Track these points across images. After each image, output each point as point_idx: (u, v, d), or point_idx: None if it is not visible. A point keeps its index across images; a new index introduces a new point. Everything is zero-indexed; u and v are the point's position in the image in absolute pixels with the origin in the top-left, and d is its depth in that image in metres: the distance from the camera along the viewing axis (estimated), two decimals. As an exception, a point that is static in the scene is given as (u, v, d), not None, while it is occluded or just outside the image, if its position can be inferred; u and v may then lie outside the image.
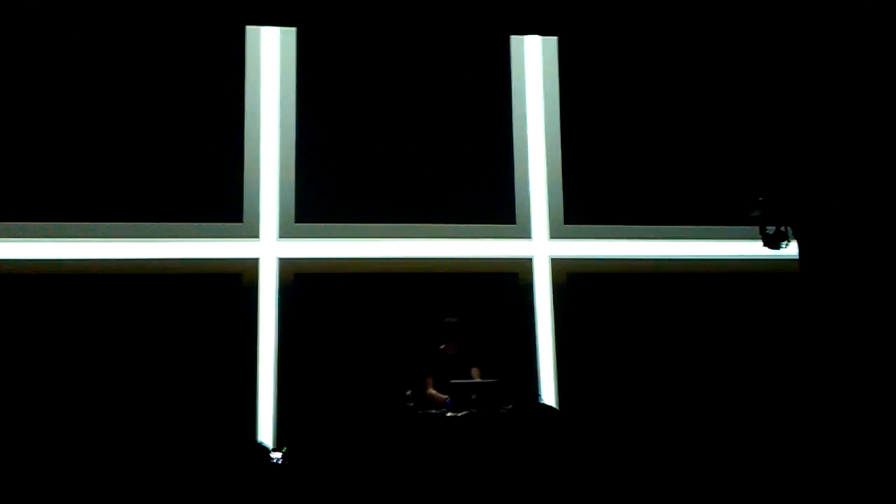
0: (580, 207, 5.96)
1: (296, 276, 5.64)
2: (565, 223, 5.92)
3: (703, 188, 6.05)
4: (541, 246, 5.88)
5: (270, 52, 5.86)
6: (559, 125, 6.03)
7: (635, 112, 6.12)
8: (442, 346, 5.19)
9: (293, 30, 5.89)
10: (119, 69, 5.67)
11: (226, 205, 5.64)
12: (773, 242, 5.37)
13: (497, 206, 5.92)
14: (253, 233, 5.63)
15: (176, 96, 5.70)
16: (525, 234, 5.89)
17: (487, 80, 6.07)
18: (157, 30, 5.74)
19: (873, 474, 4.37)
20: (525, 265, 5.87)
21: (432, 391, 5.00)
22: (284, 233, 5.66)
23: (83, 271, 5.42)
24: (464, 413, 4.48)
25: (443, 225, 5.81)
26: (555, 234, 5.91)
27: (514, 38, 6.12)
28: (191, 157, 5.65)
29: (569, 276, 5.87)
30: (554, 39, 6.14)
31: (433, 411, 4.65)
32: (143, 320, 5.42)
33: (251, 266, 5.60)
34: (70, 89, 5.59)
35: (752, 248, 5.91)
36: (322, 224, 5.72)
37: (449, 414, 4.51)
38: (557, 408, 4.60)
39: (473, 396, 4.58)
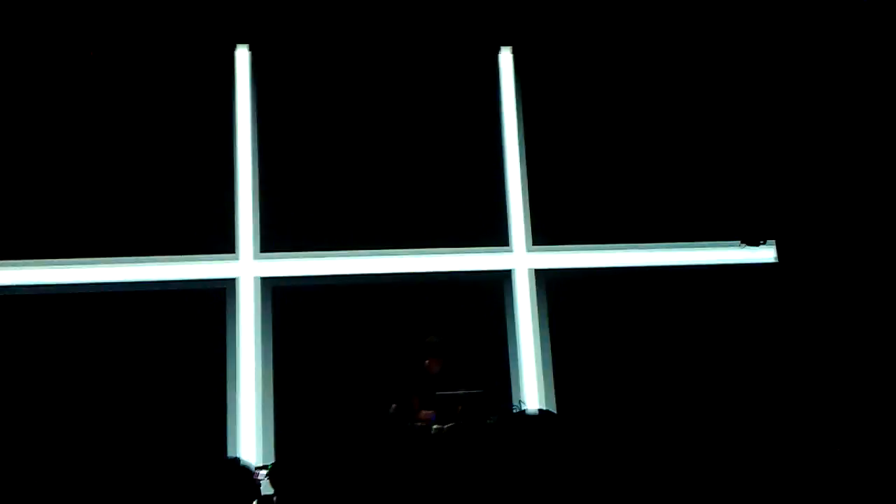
0: (549, 226, 5.95)
1: (274, 293, 5.59)
2: (534, 244, 5.91)
3: (677, 201, 6.06)
4: (520, 258, 5.86)
5: (244, 74, 5.84)
6: (524, 141, 6.03)
7: (604, 125, 6.14)
8: (426, 363, 5.16)
9: (256, 49, 5.87)
10: (102, 96, 5.66)
11: (207, 230, 5.59)
12: (751, 240, 5.42)
13: (477, 220, 5.90)
14: (232, 253, 5.59)
15: (158, 122, 5.68)
16: (505, 245, 5.87)
17: (467, 95, 6.07)
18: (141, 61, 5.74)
19: (864, 471, 4.40)
20: (505, 278, 5.85)
21: (423, 412, 4.94)
22: (263, 252, 5.62)
23: (65, 293, 5.37)
24: (450, 425, 4.45)
25: (423, 240, 5.79)
26: (532, 246, 5.89)
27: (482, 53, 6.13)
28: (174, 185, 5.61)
29: (549, 286, 5.85)
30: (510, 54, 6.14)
31: (419, 424, 4.61)
32: (124, 341, 5.35)
33: (230, 286, 5.54)
34: (43, 122, 5.56)
35: (732, 255, 5.99)
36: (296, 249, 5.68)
37: (435, 426, 4.48)
38: (542, 416, 4.55)
39: (459, 408, 4.55)
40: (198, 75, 5.78)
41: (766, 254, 5.91)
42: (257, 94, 5.82)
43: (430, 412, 4.77)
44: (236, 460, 3.35)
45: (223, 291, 5.54)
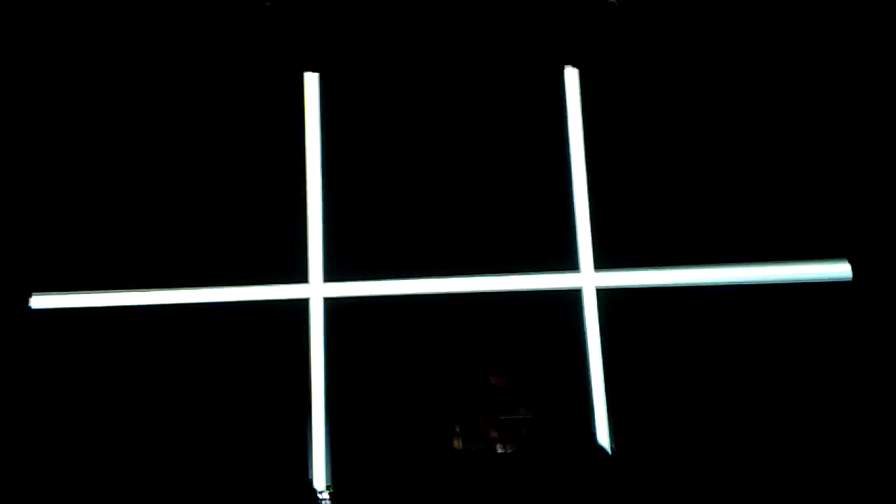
0: (615, 246, 5.86)
1: (341, 318, 5.67)
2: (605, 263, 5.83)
3: (748, 220, 5.90)
4: (588, 278, 5.79)
5: (312, 99, 6.00)
6: (587, 160, 5.98)
7: (672, 141, 6.02)
8: (492, 380, 5.15)
9: (324, 74, 6.02)
10: (173, 130, 5.90)
11: (278, 259, 5.75)
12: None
13: (543, 242, 5.87)
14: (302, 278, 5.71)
15: (225, 153, 5.89)
16: (572, 266, 5.82)
17: (531, 116, 6.07)
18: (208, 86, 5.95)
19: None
20: (572, 300, 5.79)
21: (488, 430, 4.95)
22: (329, 279, 5.73)
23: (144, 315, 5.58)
24: (513, 449, 4.42)
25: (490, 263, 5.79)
26: (600, 267, 5.82)
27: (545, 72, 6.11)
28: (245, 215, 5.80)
29: (616, 309, 5.76)
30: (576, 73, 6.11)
31: (481, 446, 4.60)
32: (199, 361, 5.52)
33: (302, 309, 5.66)
34: (120, 152, 5.84)
35: (805, 270, 5.79)
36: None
37: (499, 450, 4.46)
38: (610, 449, 4.49)
39: (523, 431, 4.53)
40: (267, 101, 5.96)
41: (841, 269, 5.70)
42: (325, 119, 5.97)
43: (495, 432, 4.76)
44: (305, 482, 3.41)
45: (294, 315, 5.67)
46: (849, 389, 5.51)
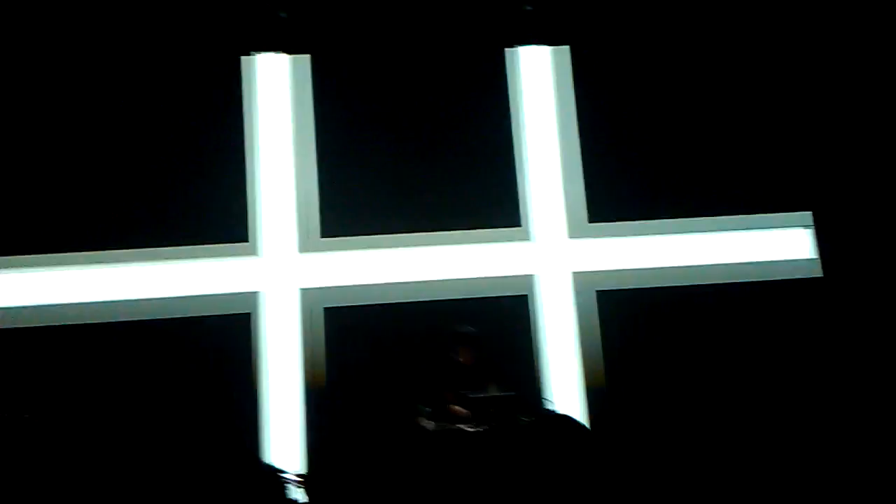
0: (603, 204, 5.85)
1: (303, 295, 5.59)
2: (590, 221, 5.80)
3: (729, 178, 5.94)
4: (554, 253, 5.78)
5: (272, 76, 5.87)
6: (576, 123, 5.94)
7: (655, 103, 6.04)
8: (457, 357, 5.10)
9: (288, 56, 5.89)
10: (123, 89, 5.70)
11: (231, 229, 5.61)
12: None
13: (504, 211, 5.84)
14: (261, 258, 5.59)
15: (177, 117, 5.71)
16: (537, 245, 5.80)
17: (491, 82, 6.01)
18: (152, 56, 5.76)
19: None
20: (538, 275, 5.77)
21: (455, 407, 4.91)
22: (293, 252, 5.62)
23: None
24: (483, 428, 4.41)
25: (451, 233, 5.74)
26: (566, 247, 5.80)
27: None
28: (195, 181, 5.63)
29: (581, 285, 5.76)
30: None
31: (452, 427, 4.57)
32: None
33: (261, 288, 5.55)
34: (58, 113, 5.61)
35: (790, 240, 5.83)
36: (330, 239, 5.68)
37: (469, 429, 4.44)
38: (578, 421, 4.51)
39: (492, 410, 4.51)
40: (216, 85, 5.81)
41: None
42: (288, 93, 5.85)
43: (464, 410, 4.73)
44: (269, 467, 3.35)
45: (250, 298, 5.56)
46: (821, 380, 5.58)
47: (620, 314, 5.67)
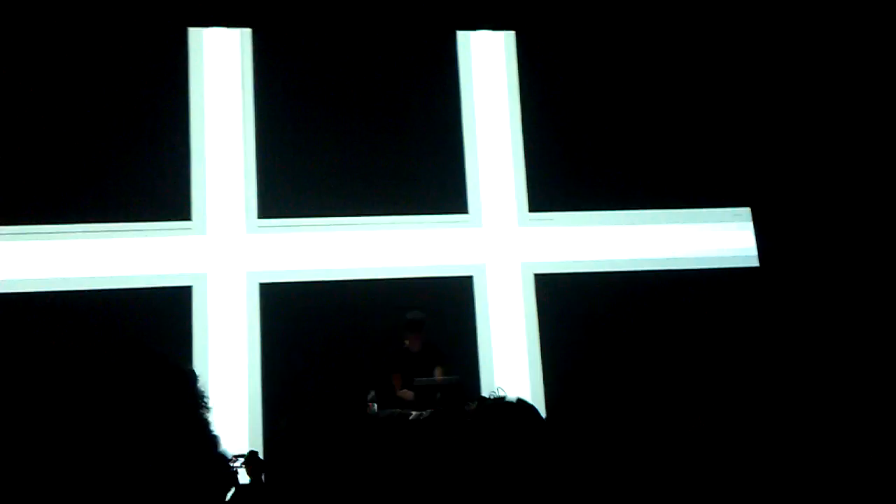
0: (545, 194, 5.92)
1: (249, 279, 5.53)
2: (530, 210, 5.86)
3: (669, 171, 6.07)
4: (501, 239, 5.83)
5: (219, 50, 5.77)
6: (519, 112, 5.99)
7: (598, 94, 6.12)
8: (406, 343, 5.15)
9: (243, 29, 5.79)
10: (71, 69, 5.54)
11: (174, 205, 5.52)
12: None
13: (451, 197, 5.88)
14: (207, 235, 5.51)
15: (122, 95, 5.58)
16: (482, 229, 5.84)
17: (438, 69, 6.03)
18: (99, 30, 5.61)
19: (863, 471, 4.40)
20: (481, 260, 5.82)
21: (402, 391, 4.95)
22: (237, 233, 5.55)
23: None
24: (428, 412, 4.44)
25: (399, 218, 5.75)
26: (511, 230, 5.86)
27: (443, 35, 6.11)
28: (139, 159, 5.52)
29: (524, 269, 5.83)
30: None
31: (397, 411, 4.60)
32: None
33: (205, 268, 5.48)
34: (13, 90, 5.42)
35: (725, 234, 6.00)
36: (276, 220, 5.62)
37: (413, 414, 4.47)
38: (520, 404, 4.58)
39: (438, 395, 4.55)
40: (161, 60, 5.72)
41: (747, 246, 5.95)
42: (236, 71, 5.78)
43: (410, 393, 4.78)
44: (214, 448, 3.32)
45: (195, 278, 5.48)
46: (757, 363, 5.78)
47: (558, 297, 5.77)
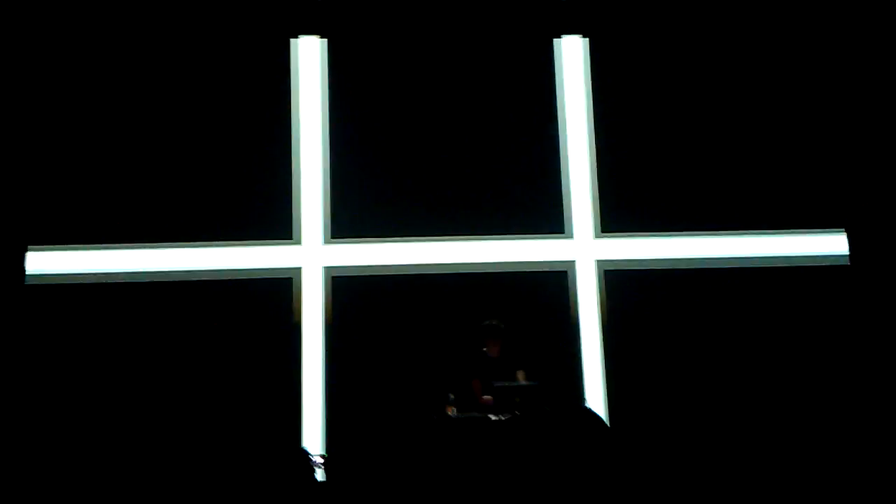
0: (619, 213, 5.86)
1: (338, 282, 5.65)
2: (602, 231, 5.83)
3: (746, 191, 5.90)
4: (585, 247, 5.77)
5: (308, 65, 5.91)
6: (594, 127, 5.94)
7: (674, 113, 6.00)
8: (484, 349, 5.16)
9: (324, 42, 5.94)
10: (166, 87, 5.80)
11: (273, 219, 5.71)
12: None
13: (540, 209, 5.85)
14: (298, 244, 5.69)
15: (221, 112, 5.80)
16: (568, 235, 5.80)
17: (529, 84, 6.00)
18: (197, 48, 5.85)
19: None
20: (568, 267, 5.77)
21: (485, 398, 4.95)
22: (328, 240, 5.70)
23: (134, 281, 5.55)
24: (507, 416, 4.44)
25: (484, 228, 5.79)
26: (596, 238, 5.81)
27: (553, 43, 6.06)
28: (238, 175, 5.73)
29: (614, 278, 5.75)
30: (583, 41, 6.05)
31: (476, 414, 4.61)
32: (191, 328, 5.50)
33: (296, 274, 5.63)
34: (113, 109, 5.74)
35: (799, 245, 5.78)
36: (362, 241, 5.76)
37: (493, 417, 4.48)
38: (602, 413, 4.51)
39: (517, 399, 4.54)
40: (259, 56, 5.88)
41: (839, 246, 5.72)
42: (319, 89, 5.90)
43: (490, 397, 4.78)
44: (298, 447, 3.41)
45: (289, 280, 5.64)
46: (843, 368, 5.53)
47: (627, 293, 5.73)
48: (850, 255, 5.67)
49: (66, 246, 5.53)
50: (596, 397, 5.49)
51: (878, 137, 5.79)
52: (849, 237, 5.68)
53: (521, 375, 5.05)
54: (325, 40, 5.94)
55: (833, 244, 5.75)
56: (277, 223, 5.72)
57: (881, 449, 4.95)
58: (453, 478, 3.25)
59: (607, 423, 2.33)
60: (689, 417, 5.43)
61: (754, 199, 5.88)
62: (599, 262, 5.76)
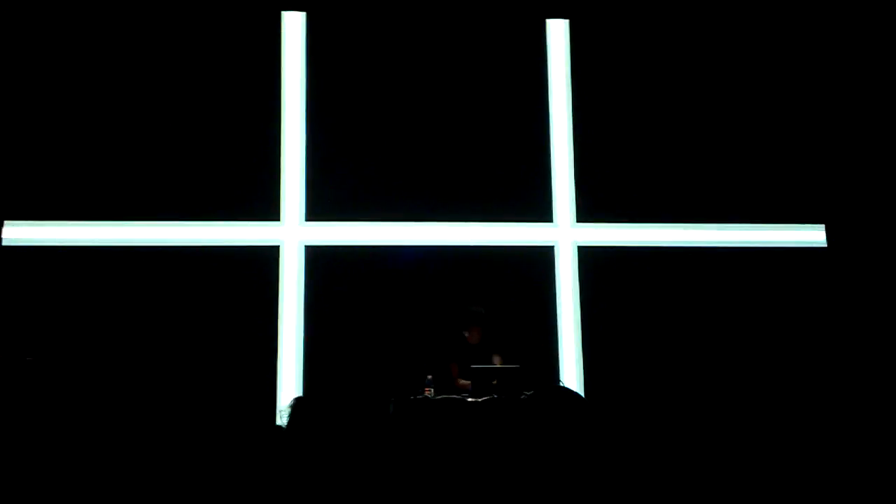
0: (596, 201, 5.88)
1: (318, 261, 5.62)
2: (578, 221, 5.85)
3: (725, 182, 5.97)
4: (565, 232, 5.79)
5: (294, 42, 5.84)
6: (572, 115, 5.94)
7: (653, 101, 6.03)
8: (466, 334, 5.18)
9: (305, 18, 5.87)
10: (152, 66, 5.70)
11: (253, 197, 5.66)
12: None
13: (521, 194, 5.85)
14: (280, 222, 5.65)
15: (209, 91, 5.72)
16: (549, 220, 5.81)
17: (513, 66, 5.99)
18: (184, 26, 5.76)
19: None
20: (548, 252, 5.79)
21: (462, 381, 4.98)
22: (309, 218, 5.66)
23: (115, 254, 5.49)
24: (484, 398, 4.45)
25: (469, 218, 5.78)
26: (577, 221, 5.83)
27: (535, 27, 6.04)
28: (221, 153, 5.67)
29: (593, 262, 5.78)
30: (564, 27, 6.04)
31: (454, 396, 4.62)
32: (174, 300, 5.47)
33: (275, 252, 5.60)
34: (101, 87, 5.64)
35: (778, 236, 5.87)
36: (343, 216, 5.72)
37: (469, 399, 4.48)
38: (579, 393, 4.56)
39: (494, 382, 4.55)
40: (246, 38, 5.80)
41: (816, 235, 5.81)
42: (301, 67, 5.83)
43: (468, 382, 4.79)
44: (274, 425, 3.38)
45: (268, 256, 5.61)
46: (817, 348, 5.65)
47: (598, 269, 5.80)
48: (826, 246, 5.79)
49: (45, 221, 5.45)
50: (571, 377, 5.55)
51: (856, 128, 5.87)
52: (826, 229, 5.79)
53: (497, 360, 5.09)
54: (304, 14, 5.87)
55: (811, 236, 5.87)
56: (261, 202, 5.66)
57: (857, 428, 5.05)
58: (429, 458, 3.26)
59: (585, 402, 2.36)
60: (665, 395, 5.53)
61: (730, 192, 5.95)
62: (578, 246, 5.79)
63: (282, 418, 2.85)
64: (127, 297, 5.43)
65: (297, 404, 2.82)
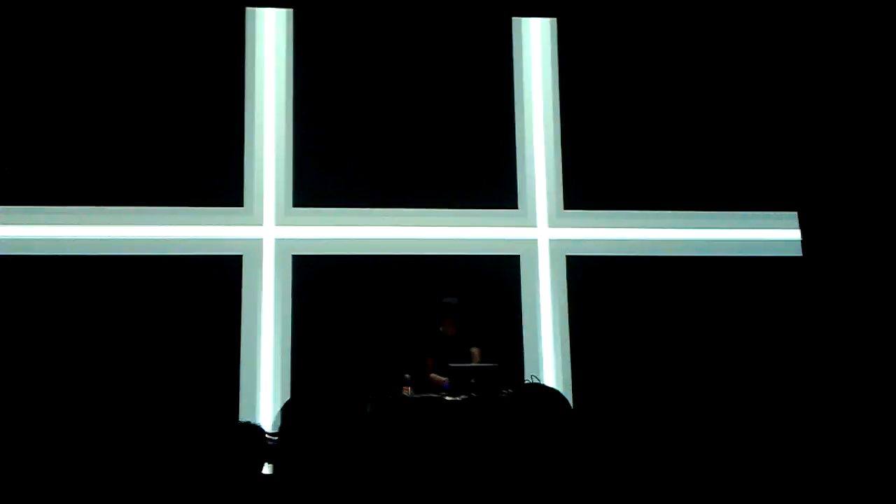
0: (580, 193, 5.88)
1: (293, 259, 5.57)
2: (565, 208, 5.84)
3: (706, 174, 5.99)
4: (542, 230, 5.80)
5: (270, 35, 5.78)
6: (559, 110, 5.94)
7: (636, 96, 6.04)
8: (441, 328, 5.16)
9: (290, 12, 5.82)
10: (119, 56, 5.61)
11: (226, 189, 5.59)
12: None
13: (499, 190, 5.84)
14: (254, 217, 5.58)
15: (176, 80, 5.64)
16: (527, 219, 5.81)
17: (489, 63, 5.98)
18: (156, 14, 5.67)
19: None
20: (526, 248, 5.78)
21: (433, 375, 4.97)
22: (282, 217, 5.61)
23: (83, 252, 5.40)
24: (462, 397, 4.43)
25: (444, 210, 5.76)
26: (555, 219, 5.83)
27: (516, 21, 6.03)
28: (192, 142, 5.59)
29: (569, 260, 5.79)
30: (552, 22, 6.04)
31: (432, 395, 4.60)
32: (145, 302, 5.39)
33: (251, 248, 5.54)
34: (68, 77, 5.54)
35: (756, 235, 5.91)
36: (320, 208, 5.67)
37: (448, 398, 4.46)
38: (557, 390, 4.57)
39: (473, 381, 4.54)
40: (212, 47, 5.73)
41: (791, 234, 5.86)
42: (278, 60, 5.78)
43: (443, 378, 4.78)
44: (249, 424, 3.35)
45: (239, 258, 5.55)
46: (793, 351, 5.70)
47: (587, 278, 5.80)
48: (802, 242, 5.85)
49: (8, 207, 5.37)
50: (549, 373, 5.56)
51: (835, 120, 5.92)
52: (801, 223, 5.85)
53: (476, 352, 5.07)
54: (281, 11, 5.80)
55: (787, 232, 5.92)
56: (233, 200, 5.61)
57: (844, 431, 5.11)
58: (409, 458, 3.25)
59: (563, 400, 2.35)
60: (646, 393, 5.55)
61: (706, 185, 5.98)
62: (554, 244, 5.80)
63: (273, 424, 2.84)
64: (103, 299, 5.37)
65: (287, 408, 2.81)
